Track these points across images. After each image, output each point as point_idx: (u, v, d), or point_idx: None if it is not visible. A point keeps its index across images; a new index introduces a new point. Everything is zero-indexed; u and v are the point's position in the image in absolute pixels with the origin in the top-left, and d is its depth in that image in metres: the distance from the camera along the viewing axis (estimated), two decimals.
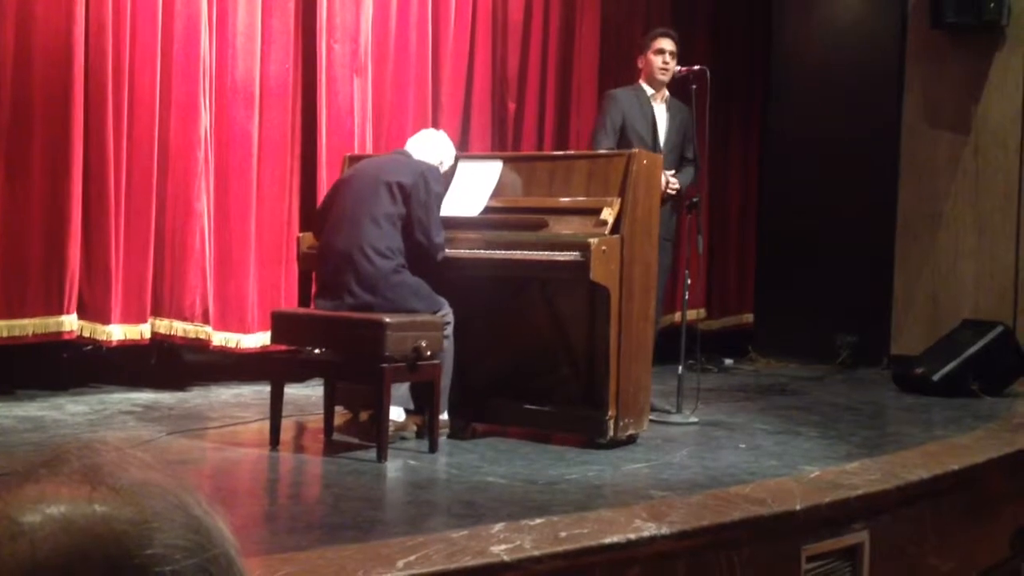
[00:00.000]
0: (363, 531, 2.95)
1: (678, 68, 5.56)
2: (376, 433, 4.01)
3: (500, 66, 7.00)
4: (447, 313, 4.40)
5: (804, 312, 8.06)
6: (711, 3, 8.38)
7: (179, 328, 5.48)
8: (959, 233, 7.63)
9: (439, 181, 4.52)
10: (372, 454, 3.98)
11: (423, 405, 4.41)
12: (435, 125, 5.90)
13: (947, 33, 7.53)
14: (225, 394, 5.53)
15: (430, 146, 4.68)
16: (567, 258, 4.27)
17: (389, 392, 4.03)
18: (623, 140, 5.42)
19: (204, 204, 5.53)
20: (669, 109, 5.64)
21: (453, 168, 4.80)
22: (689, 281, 5.43)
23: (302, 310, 5.20)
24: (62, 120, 5.05)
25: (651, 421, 4.70)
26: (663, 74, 5.55)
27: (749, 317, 8.66)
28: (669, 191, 5.33)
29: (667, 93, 5.66)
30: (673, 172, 5.46)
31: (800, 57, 8.42)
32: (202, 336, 5.52)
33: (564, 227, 4.45)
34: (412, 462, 4.04)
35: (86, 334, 5.19)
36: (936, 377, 6.31)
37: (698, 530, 3.03)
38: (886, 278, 7.85)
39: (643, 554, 2.90)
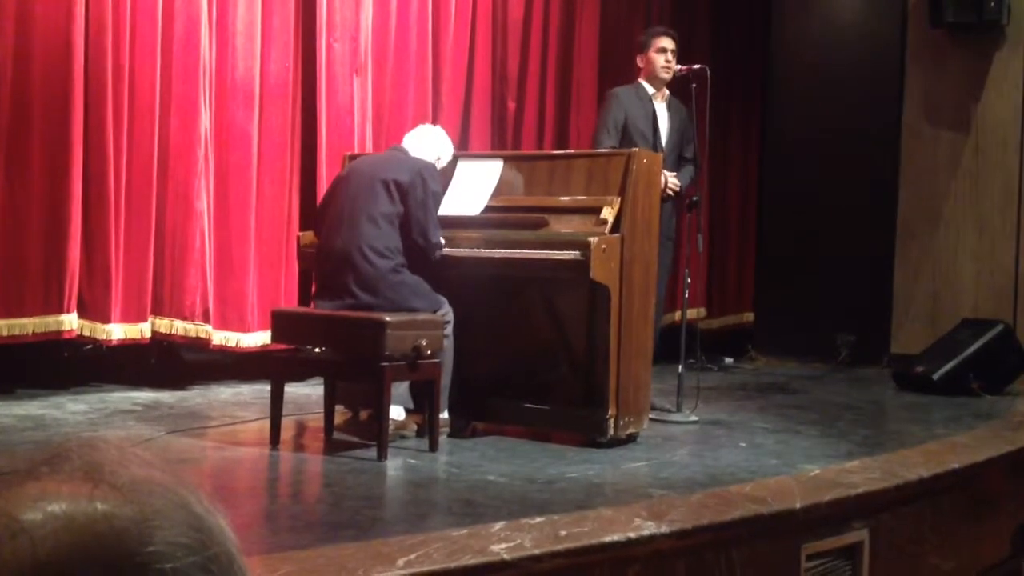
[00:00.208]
0: (363, 530, 2.95)
1: (678, 67, 5.56)
2: (376, 432, 4.01)
3: (500, 65, 7.00)
4: (447, 312, 4.40)
5: (804, 311, 8.04)
6: (711, 2, 8.37)
7: (179, 327, 5.48)
8: (959, 233, 7.62)
9: (437, 179, 4.51)
10: (372, 453, 3.98)
11: (423, 404, 4.41)
12: (435, 124, 5.89)
13: (947, 32, 7.53)
14: (225, 393, 5.53)
15: (427, 142, 4.67)
16: (567, 257, 4.27)
17: (389, 391, 4.03)
18: (625, 139, 5.42)
19: (204, 203, 5.53)
20: (670, 108, 5.64)
21: (452, 165, 4.79)
22: (689, 280, 5.43)
23: (302, 309, 5.20)
24: (62, 120, 5.04)
25: (651, 420, 4.71)
26: (665, 73, 5.55)
27: (749, 316, 8.65)
28: (669, 191, 5.33)
29: (667, 92, 5.66)
30: (675, 174, 5.47)
31: (800, 56, 8.40)
32: (202, 335, 5.53)
33: (564, 226, 4.45)
34: (412, 461, 4.04)
35: (86, 333, 5.19)
36: (936, 376, 6.30)
37: (698, 529, 3.03)
38: (886, 277, 7.84)
39: (643, 553, 2.90)
